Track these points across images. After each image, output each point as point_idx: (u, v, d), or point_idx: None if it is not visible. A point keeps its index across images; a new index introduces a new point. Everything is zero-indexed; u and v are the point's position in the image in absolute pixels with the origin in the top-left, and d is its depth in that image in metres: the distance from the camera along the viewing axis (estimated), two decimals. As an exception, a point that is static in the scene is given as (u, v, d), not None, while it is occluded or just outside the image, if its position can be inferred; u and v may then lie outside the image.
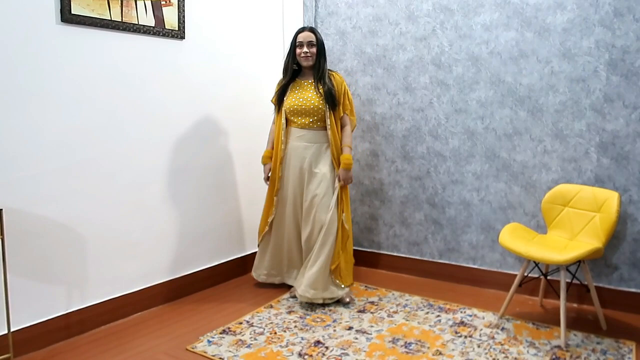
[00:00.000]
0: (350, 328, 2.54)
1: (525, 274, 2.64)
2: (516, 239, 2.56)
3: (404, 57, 3.23)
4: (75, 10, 2.26)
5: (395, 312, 2.74)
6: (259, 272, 3.08)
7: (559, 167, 2.83)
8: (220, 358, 2.22)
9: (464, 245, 3.17)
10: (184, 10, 2.74)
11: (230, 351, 2.28)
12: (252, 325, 2.56)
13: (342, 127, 2.87)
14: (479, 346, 2.34)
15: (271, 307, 2.81)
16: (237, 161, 3.22)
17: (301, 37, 2.79)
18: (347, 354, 2.26)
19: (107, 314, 2.55)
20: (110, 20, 2.41)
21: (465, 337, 2.44)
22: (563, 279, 2.40)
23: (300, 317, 2.66)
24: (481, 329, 2.52)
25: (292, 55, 2.84)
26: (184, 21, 2.76)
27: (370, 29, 3.33)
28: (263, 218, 3.03)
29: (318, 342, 2.38)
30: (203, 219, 3.04)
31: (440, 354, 2.27)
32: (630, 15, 2.58)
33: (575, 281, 2.75)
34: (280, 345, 2.34)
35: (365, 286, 3.13)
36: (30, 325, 2.26)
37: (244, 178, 3.28)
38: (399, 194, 3.35)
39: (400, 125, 3.29)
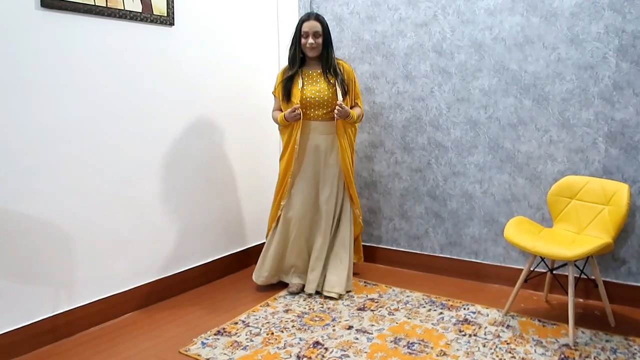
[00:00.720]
0: (350, 327, 2.44)
1: (531, 269, 2.55)
2: (522, 233, 2.46)
3: (403, 44, 3.10)
4: (56, -6, 2.12)
5: (397, 310, 2.64)
6: (259, 274, 2.91)
7: (565, 158, 2.73)
8: (214, 361, 2.12)
9: (466, 239, 3.07)
10: (172, -5, 2.60)
11: (225, 354, 2.18)
12: (248, 326, 2.46)
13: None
14: (484, 345, 2.25)
15: (267, 305, 2.71)
16: (231, 154, 3.10)
17: (306, 27, 2.65)
18: (347, 356, 2.17)
19: (96, 315, 2.44)
20: (94, 5, 2.27)
21: (470, 335, 2.35)
22: (571, 275, 2.31)
23: (298, 316, 2.56)
24: (486, 327, 2.44)
25: (297, 44, 2.70)
26: (173, 6, 2.62)
27: (368, 15, 3.20)
28: (274, 207, 2.88)
29: (317, 343, 2.28)
30: (196, 214, 2.92)
31: (445, 354, 2.18)
32: (641, -1, 2.46)
33: (582, 275, 2.66)
34: (278, 347, 2.24)
35: (365, 282, 3.04)
36: (15, 329, 2.15)
37: (238, 171, 3.16)
38: (398, 186, 3.24)
39: (399, 115, 3.17)
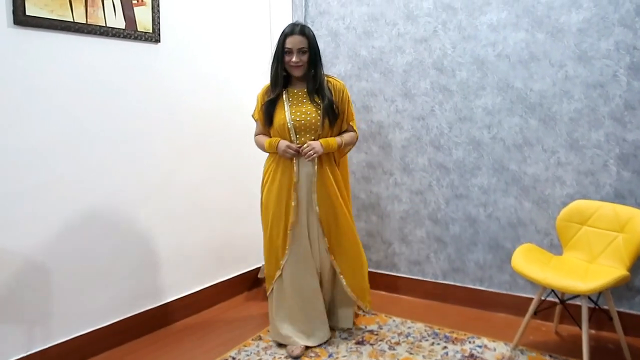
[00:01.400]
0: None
1: (541, 299, 2.39)
2: (531, 263, 2.30)
3: (402, 61, 2.97)
4: (31, 11, 1.98)
5: (397, 344, 2.48)
6: (278, 330, 2.46)
7: (574, 181, 2.58)
8: (201, 407, 1.95)
9: (469, 265, 2.91)
10: (158, 11, 2.46)
11: (212, 398, 2.01)
12: (239, 363, 2.29)
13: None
14: (493, 386, 2.09)
15: (260, 338, 2.53)
16: (219, 176, 2.94)
17: (290, 43, 2.28)
18: (345, 400, 2.00)
19: (74, 353, 2.26)
20: (73, 22, 2.13)
21: (477, 374, 2.19)
22: (585, 309, 2.15)
23: (292, 352, 2.39)
24: (493, 364, 2.27)
25: (279, 62, 2.34)
26: (159, 22, 2.48)
27: (365, 30, 3.07)
28: (272, 259, 2.47)
29: (312, 384, 2.12)
30: (182, 240, 2.76)
31: (451, 397, 2.01)
32: (653, 14, 2.34)
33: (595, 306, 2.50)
34: (270, 389, 2.07)
35: (363, 311, 2.87)
36: (-17, 373, 1.98)
37: (228, 194, 3.00)
38: (398, 209, 3.09)
39: (399, 135, 3.03)
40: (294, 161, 2.34)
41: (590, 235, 2.41)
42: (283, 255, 2.41)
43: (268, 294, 2.54)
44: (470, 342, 2.48)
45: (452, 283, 2.97)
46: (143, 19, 2.40)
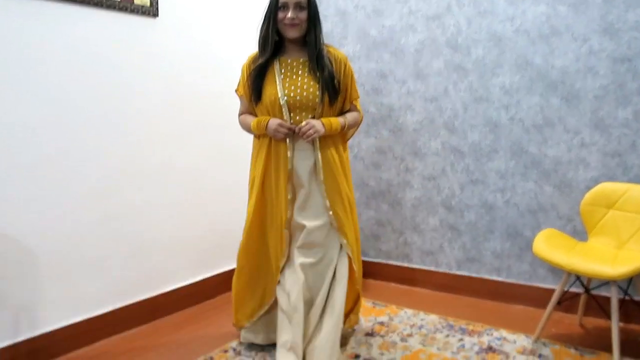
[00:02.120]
0: (357, 356, 2.11)
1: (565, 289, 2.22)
2: (554, 248, 2.14)
3: (414, 39, 2.82)
4: (18, -25, 1.86)
5: (410, 335, 2.32)
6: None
7: (599, 163, 2.41)
8: (197, 400, 1.80)
9: (486, 254, 2.74)
10: (157, -18, 2.34)
11: (210, 390, 1.87)
12: (240, 354, 2.14)
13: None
14: (514, 380, 1.92)
15: (263, 330, 2.38)
16: (220, 160, 2.80)
17: None
18: (354, 393, 1.84)
19: (65, 342, 2.13)
20: (65, -11, 2.01)
21: (497, 368, 2.02)
22: (615, 297, 1.98)
23: (297, 344, 2.23)
24: (514, 357, 2.10)
25: (271, 20, 1.91)
26: (157, -5, 2.35)
27: (375, 8, 2.92)
28: (263, 268, 2.11)
29: (318, 376, 1.96)
30: (182, 227, 2.62)
31: (469, 391, 1.85)
32: (686, -19, 2.17)
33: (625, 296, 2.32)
34: (272, 382, 1.92)
35: (373, 303, 2.71)
36: (-35, 361, 1.85)
37: (228, 179, 2.86)
38: (409, 196, 2.93)
39: (410, 118, 2.87)
40: (288, 144, 1.92)
41: (617, 220, 2.24)
42: (281, 257, 2.01)
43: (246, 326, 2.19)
44: (488, 335, 2.32)
45: (467, 274, 2.80)
46: (140, -10, 2.28)
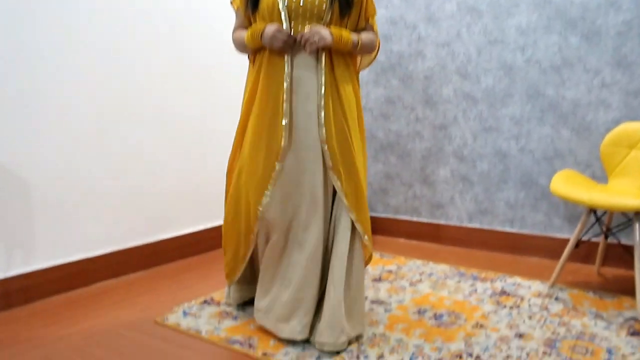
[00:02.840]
0: (364, 299, 2.02)
1: (583, 235, 2.11)
2: (573, 185, 2.03)
3: (425, -18, 2.70)
4: None
5: (419, 281, 2.22)
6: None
7: (621, 103, 2.29)
8: (196, 331, 1.71)
9: (499, 205, 2.63)
10: None
11: (210, 324, 1.77)
12: (241, 295, 2.05)
13: None
14: (530, 318, 1.81)
15: (266, 275, 2.29)
16: (224, 106, 2.69)
17: None
18: (360, 327, 1.74)
19: (60, 281, 2.05)
20: None
21: (511, 307, 1.91)
22: (638, 232, 1.86)
23: (302, 286, 2.14)
24: (530, 299, 1.99)
25: None
26: None
27: (383, 33, 2.80)
28: (241, 210, 1.70)
29: (323, 313, 1.86)
30: (185, 174, 2.53)
31: (482, 326, 1.74)
32: None
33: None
34: (275, 317, 1.82)
35: (381, 254, 2.61)
36: (-45, 290, 1.77)
37: (231, 129, 2.74)
38: (419, 147, 2.82)
39: (421, 65, 2.76)
40: (286, 59, 1.58)
41: (640, 159, 2.12)
42: (261, 196, 1.60)
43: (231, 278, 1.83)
44: (501, 281, 2.21)
45: (479, 226, 2.70)
46: None
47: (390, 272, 2.35)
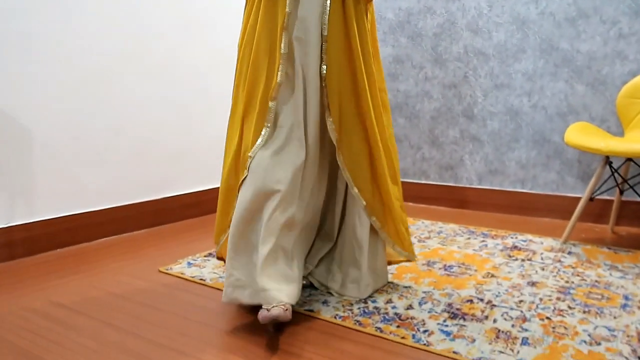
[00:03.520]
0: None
1: (597, 189, 2.05)
2: (588, 135, 1.96)
3: (436, -64, 2.61)
4: None
5: (428, 238, 2.17)
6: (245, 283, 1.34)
7: (639, 55, 2.21)
8: (201, 279, 1.68)
9: (510, 165, 2.57)
10: None
11: (215, 273, 1.74)
12: (246, 249, 2.01)
13: None
14: (542, 269, 1.76)
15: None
16: (231, 60, 2.64)
17: None
18: (368, 276, 1.70)
19: (62, 234, 2.02)
20: None
21: (523, 260, 1.86)
22: (656, 182, 1.80)
23: (308, 241, 2.10)
24: (542, 253, 1.94)
25: None
26: None
27: None
28: (232, 150, 1.43)
29: (330, 264, 1.82)
30: (193, 131, 2.48)
31: (493, 276, 1.69)
32: None
33: (659, 198, 2.14)
34: (280, 267, 1.78)
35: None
36: (-45, 238, 1.74)
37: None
38: (428, 108, 2.76)
39: (430, 22, 2.68)
40: None
41: (658, 111, 2.05)
42: (255, 138, 1.35)
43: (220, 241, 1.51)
44: (512, 238, 2.16)
45: (489, 187, 2.64)
46: None
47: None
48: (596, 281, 1.64)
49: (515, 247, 2.03)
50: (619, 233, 2.23)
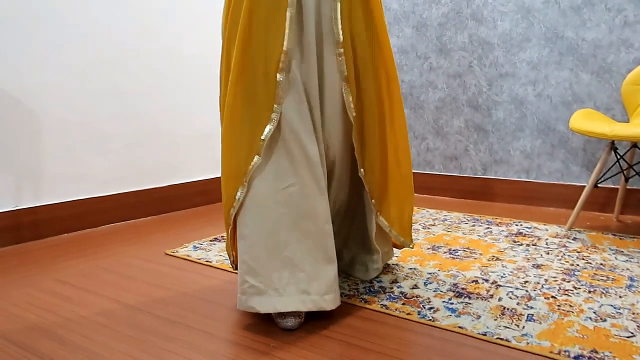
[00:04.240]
0: (376, 238, 1.98)
1: (602, 176, 2.05)
2: (593, 121, 1.96)
3: None
4: None
5: (432, 225, 2.17)
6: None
7: (644, 42, 2.21)
8: (207, 261, 1.69)
9: (515, 154, 2.57)
10: None
11: (221, 255, 1.75)
12: (252, 235, 2.02)
13: None
14: (548, 253, 1.76)
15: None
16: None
17: None
18: (373, 259, 1.70)
19: (69, 219, 2.03)
20: None
21: (528, 245, 1.86)
22: (662, 166, 1.80)
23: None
24: (547, 239, 1.95)
25: None
26: None
27: None
28: (236, 142, 1.20)
29: (335, 248, 1.83)
30: (197, 118, 2.49)
31: (498, 259, 1.70)
32: None
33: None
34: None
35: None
36: (-36, 221, 1.76)
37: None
38: (433, 98, 2.76)
39: (435, 11, 2.69)
40: None
41: (664, 97, 2.05)
42: (265, 122, 1.16)
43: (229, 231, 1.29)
44: (517, 225, 2.16)
45: (493, 177, 2.64)
46: None
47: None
48: (601, 264, 1.65)
49: (520, 233, 2.03)
50: (624, 221, 2.23)
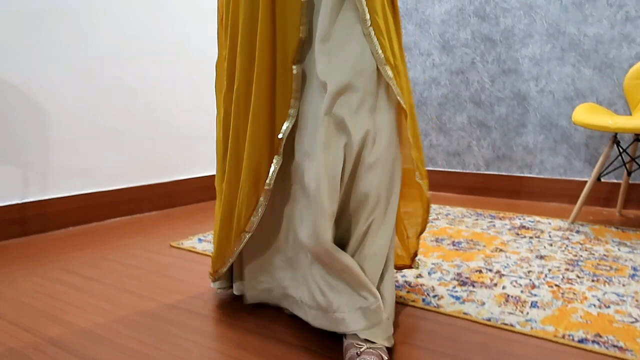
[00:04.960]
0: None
1: (604, 170, 2.06)
2: (596, 114, 1.97)
3: None
4: None
5: (436, 219, 2.18)
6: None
7: (646, 37, 2.22)
8: (212, 253, 1.69)
9: (517, 150, 2.58)
10: None
11: (225, 248, 1.76)
12: (256, 228, 2.03)
13: None
14: (551, 245, 1.77)
15: (281, 214, 2.27)
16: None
17: None
18: (377, 250, 1.71)
19: (74, 213, 2.05)
20: None
21: (531, 237, 1.87)
22: (664, 159, 1.81)
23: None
24: (550, 232, 1.95)
25: None
26: None
27: None
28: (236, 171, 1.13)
29: (339, 240, 1.84)
30: (204, 114, 2.51)
31: (502, 250, 1.71)
32: None
33: (667, 180, 2.15)
34: (290, 243, 1.80)
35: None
36: (-29, 213, 1.77)
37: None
38: (435, 94, 2.77)
39: (438, 8, 2.70)
40: None
41: (666, 91, 2.06)
42: (285, 119, 1.04)
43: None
44: (520, 219, 2.17)
45: (496, 173, 2.65)
46: None
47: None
48: (604, 255, 1.65)
49: (523, 226, 2.04)
50: (627, 215, 2.24)
